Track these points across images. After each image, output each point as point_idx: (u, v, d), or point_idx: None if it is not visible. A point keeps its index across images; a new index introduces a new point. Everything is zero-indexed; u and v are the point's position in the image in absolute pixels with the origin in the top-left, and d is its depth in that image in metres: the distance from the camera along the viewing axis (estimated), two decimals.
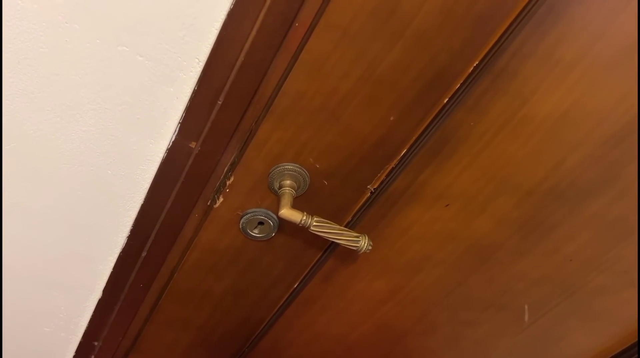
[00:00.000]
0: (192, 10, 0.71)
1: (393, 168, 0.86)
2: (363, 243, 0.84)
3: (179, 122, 0.81)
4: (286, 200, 0.83)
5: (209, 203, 0.93)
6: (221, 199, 0.91)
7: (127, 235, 0.98)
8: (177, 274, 1.04)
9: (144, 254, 1.01)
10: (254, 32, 0.71)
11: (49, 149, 0.87)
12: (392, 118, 0.80)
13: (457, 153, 0.85)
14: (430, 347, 1.22)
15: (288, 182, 0.86)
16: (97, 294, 1.11)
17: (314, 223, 0.82)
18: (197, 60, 0.76)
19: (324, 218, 0.84)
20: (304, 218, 0.82)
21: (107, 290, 1.08)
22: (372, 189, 0.89)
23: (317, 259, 1.01)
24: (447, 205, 0.93)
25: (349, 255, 1.02)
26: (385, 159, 0.85)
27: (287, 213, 0.81)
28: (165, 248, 1.00)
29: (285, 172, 0.86)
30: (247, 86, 0.77)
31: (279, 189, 0.86)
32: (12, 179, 0.91)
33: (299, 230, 0.96)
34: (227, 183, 0.89)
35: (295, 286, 1.07)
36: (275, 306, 1.11)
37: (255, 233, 0.95)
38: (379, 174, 0.87)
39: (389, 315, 1.14)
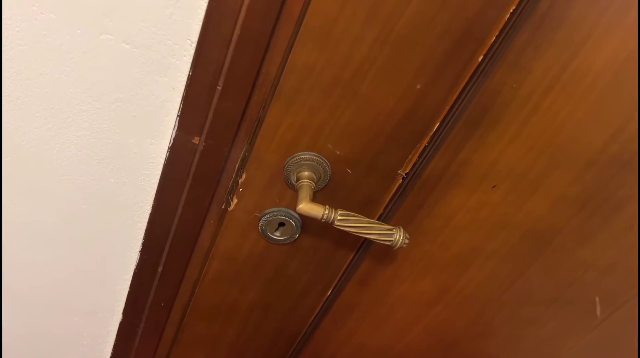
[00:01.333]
0: None
1: (426, 147, 0.74)
2: (398, 236, 0.72)
3: (178, 116, 0.72)
4: (305, 193, 0.72)
5: (223, 206, 0.83)
6: (235, 200, 0.81)
7: (140, 249, 0.89)
8: (198, 289, 0.95)
9: (160, 269, 0.92)
10: (247, 0, 0.62)
11: (45, 161, 0.80)
12: (418, 86, 0.68)
13: (499, 123, 0.73)
14: (489, 352, 1.08)
15: (306, 173, 0.75)
16: (118, 316, 1.03)
17: (339, 217, 0.71)
18: (189, 41, 0.67)
19: (350, 212, 0.73)
20: (327, 212, 0.71)
21: (127, 312, 1.00)
22: (404, 175, 0.77)
23: (350, 260, 0.90)
24: (494, 186, 0.80)
25: (386, 253, 0.90)
26: (415, 137, 0.73)
27: (306, 207, 0.70)
28: (182, 260, 0.91)
29: (302, 162, 0.75)
30: (248, 65, 0.67)
31: (296, 182, 0.75)
32: (10, 196, 0.84)
33: (326, 229, 0.85)
34: (240, 181, 0.79)
35: (329, 293, 0.95)
36: (309, 317, 1.00)
37: (277, 235, 0.84)
38: (409, 156, 0.75)
39: (439, 318, 1.01)
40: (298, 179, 0.75)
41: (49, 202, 0.85)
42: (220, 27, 0.64)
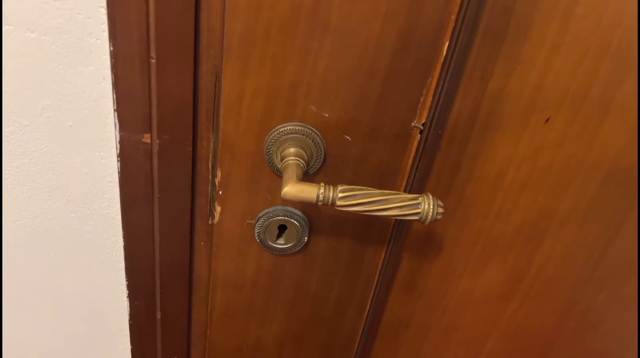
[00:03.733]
0: None
1: (439, 81, 0.55)
2: (426, 205, 0.52)
3: (114, 110, 0.57)
4: (290, 173, 0.54)
5: (210, 221, 0.66)
6: (218, 208, 0.64)
7: (127, 295, 0.73)
8: (210, 332, 0.77)
9: (159, 316, 0.75)
10: None
11: None
12: None
13: (533, 27, 0.53)
14: (595, 348, 0.83)
15: (292, 150, 0.57)
16: None
17: (340, 195, 0.52)
18: (102, 10, 0.52)
19: (355, 186, 0.54)
20: (322, 191, 0.52)
21: None
22: (421, 127, 0.58)
23: (383, 260, 0.70)
24: (547, 120, 0.59)
25: (427, 241, 0.70)
26: (421, 68, 0.54)
27: (293, 189, 0.52)
28: (181, 299, 0.74)
29: (285, 138, 0.57)
30: (181, 21, 0.52)
31: (282, 164, 0.58)
32: None
33: (340, 222, 0.66)
34: (216, 181, 0.62)
35: (368, 308, 0.75)
36: (353, 343, 0.80)
37: (280, 243, 0.66)
38: (421, 99, 0.56)
39: (519, 316, 0.79)
40: (283, 159, 0.57)
41: (12, 262, 0.71)
42: None
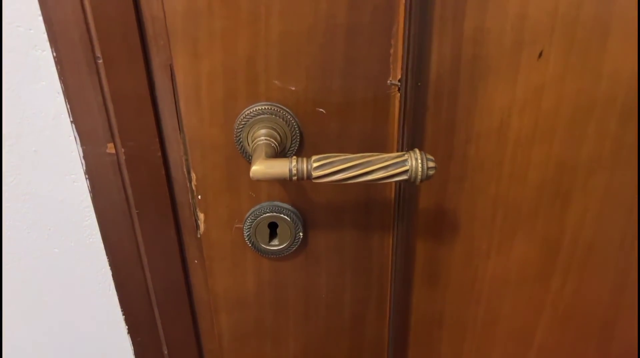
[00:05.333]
0: None
1: (405, 26, 0.50)
2: (413, 161, 0.46)
3: (71, 122, 0.54)
4: (259, 153, 0.49)
5: (199, 235, 0.61)
6: (201, 216, 0.59)
7: (127, 330, 0.68)
8: None
9: (165, 351, 0.69)
10: None
11: None
12: None
13: None
14: None
15: (262, 131, 0.52)
16: None
17: (315, 165, 0.46)
18: (40, 18, 0.50)
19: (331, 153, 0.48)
20: (294, 163, 0.47)
21: None
22: (398, 83, 0.52)
23: (392, 247, 0.62)
24: (541, 53, 0.53)
25: (438, 219, 0.62)
26: (384, 15, 0.49)
27: (262, 166, 0.47)
28: (186, 329, 0.68)
29: (252, 121, 0.53)
30: (120, 13, 0.49)
31: (251, 148, 0.53)
32: None
33: (336, 212, 0.59)
34: (193, 185, 0.57)
35: (389, 308, 0.67)
36: (382, 352, 0.71)
37: (275, 245, 0.60)
38: (391, 51, 0.51)
39: (567, 293, 0.69)
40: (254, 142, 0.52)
41: (10, 314, 0.67)
42: None
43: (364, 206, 0.59)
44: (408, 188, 0.59)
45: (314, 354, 0.70)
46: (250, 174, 0.47)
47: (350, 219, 0.60)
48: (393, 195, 0.58)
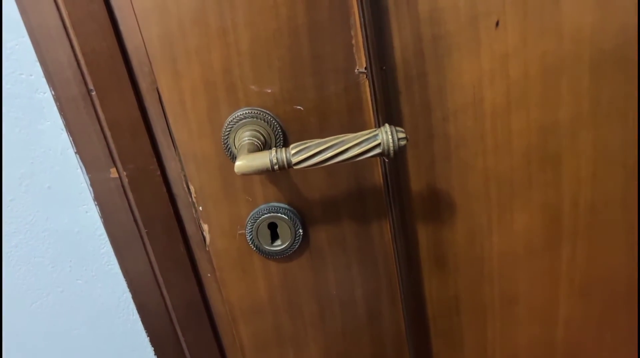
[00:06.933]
0: None
1: (361, 16, 0.54)
2: (384, 135, 0.48)
3: (75, 153, 0.59)
4: (243, 150, 0.53)
5: (207, 248, 0.64)
6: (205, 226, 0.62)
7: (153, 352, 0.70)
8: None
9: None
10: None
11: (7, 301, 0.68)
12: None
13: None
14: None
15: (247, 134, 0.56)
16: None
17: (293, 152, 0.49)
18: (38, 63, 0.56)
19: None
20: (274, 154, 0.50)
21: None
22: (364, 71, 0.56)
23: (391, 234, 0.64)
24: (498, 23, 0.55)
25: (433, 201, 0.64)
26: (340, 9, 0.53)
27: (244, 161, 0.50)
28: (209, 346, 0.70)
29: (236, 126, 0.57)
30: (106, 47, 0.54)
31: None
32: None
33: (331, 205, 0.62)
34: (194, 198, 0.61)
35: (401, 297, 0.67)
36: (403, 347, 0.71)
37: (277, 245, 0.62)
38: (353, 42, 0.54)
39: (579, 262, 0.68)
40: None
41: (43, 348, 0.71)
42: (46, 19, 0.53)
43: (357, 195, 0.61)
44: (394, 170, 0.61)
45: (335, 355, 0.70)
46: (235, 170, 0.50)
47: (346, 210, 0.62)
48: (382, 180, 0.60)
